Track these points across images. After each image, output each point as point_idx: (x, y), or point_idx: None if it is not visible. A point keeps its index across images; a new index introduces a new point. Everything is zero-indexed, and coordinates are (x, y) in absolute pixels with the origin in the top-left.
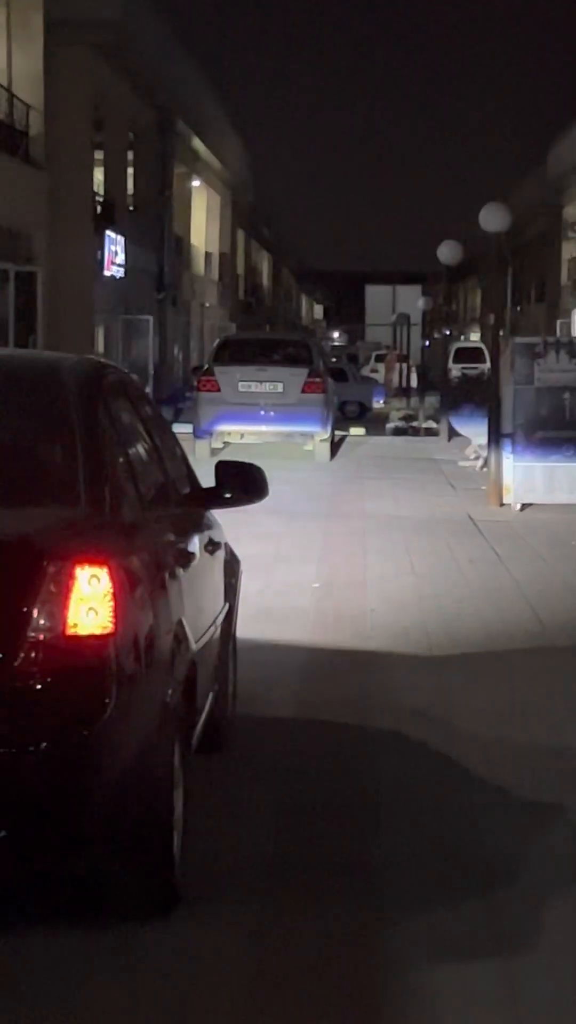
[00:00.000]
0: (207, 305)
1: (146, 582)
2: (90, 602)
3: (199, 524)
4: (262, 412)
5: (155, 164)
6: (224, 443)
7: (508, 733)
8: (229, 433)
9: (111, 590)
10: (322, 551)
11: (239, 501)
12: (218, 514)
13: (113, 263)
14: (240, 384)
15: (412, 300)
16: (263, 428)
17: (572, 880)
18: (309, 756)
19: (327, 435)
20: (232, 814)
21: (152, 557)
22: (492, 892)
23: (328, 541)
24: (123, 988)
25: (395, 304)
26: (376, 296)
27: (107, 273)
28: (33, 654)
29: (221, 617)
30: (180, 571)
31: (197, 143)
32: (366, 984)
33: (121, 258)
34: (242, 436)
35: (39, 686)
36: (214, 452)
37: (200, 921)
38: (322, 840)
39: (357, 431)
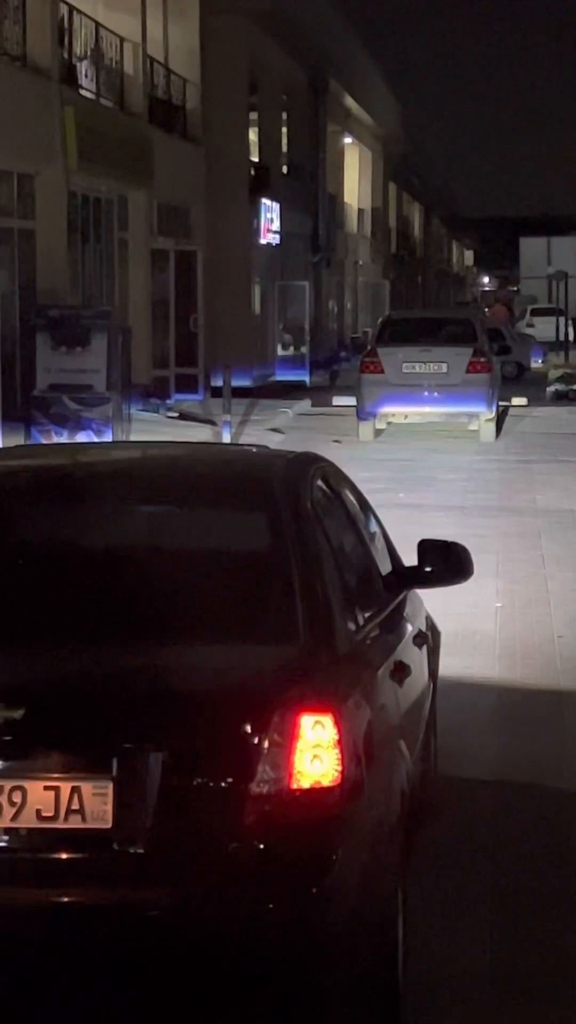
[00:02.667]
0: (360, 263)
1: (369, 716)
2: (315, 751)
3: (406, 617)
4: (426, 393)
5: (308, 125)
6: (388, 423)
7: None
8: (393, 414)
9: (336, 737)
10: (498, 560)
11: (441, 579)
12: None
13: (269, 230)
14: (404, 365)
15: (568, 251)
16: (427, 409)
17: None
18: (522, 832)
19: (492, 415)
20: (447, 911)
21: (373, 685)
22: None
23: (503, 545)
24: None
25: (550, 256)
26: (531, 248)
27: (263, 241)
28: (258, 809)
29: (428, 703)
30: (397, 689)
31: (349, 101)
32: None
33: (277, 224)
34: (406, 417)
35: (264, 843)
36: (377, 433)
37: None
38: (547, 940)
39: (519, 401)
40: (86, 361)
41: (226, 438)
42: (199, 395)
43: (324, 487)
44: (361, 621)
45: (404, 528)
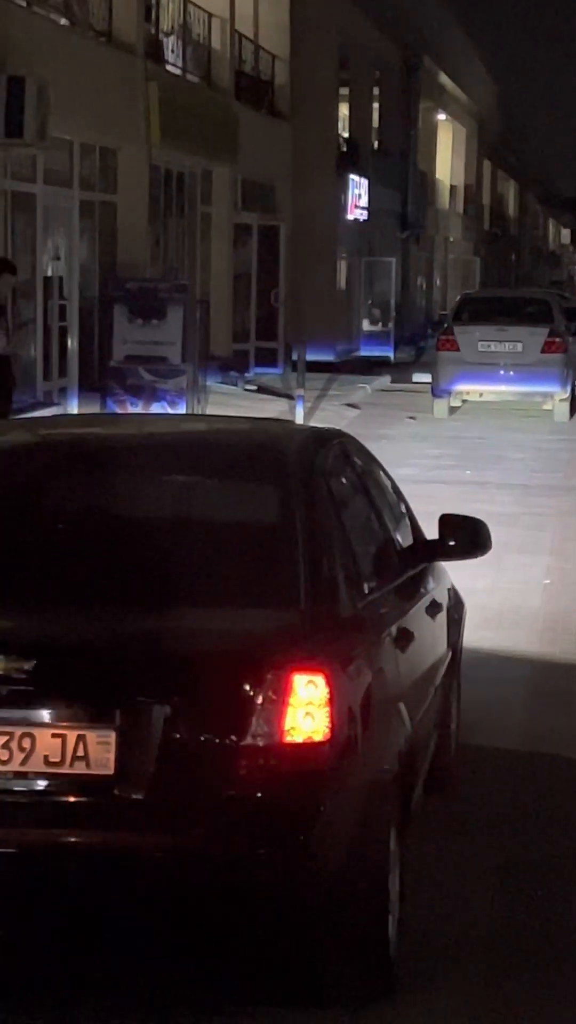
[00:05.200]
0: (451, 239)
1: (364, 679)
2: (307, 709)
3: (420, 588)
4: (501, 372)
5: (401, 101)
6: (463, 401)
7: None
8: (468, 392)
9: (328, 697)
10: (555, 537)
11: (460, 553)
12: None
13: (357, 206)
14: (480, 344)
15: None
16: (502, 388)
17: None
18: (538, 800)
19: (566, 395)
20: (453, 874)
21: (372, 649)
22: None
23: (560, 524)
24: None
25: None
26: None
27: (350, 216)
28: (252, 761)
29: (442, 671)
30: (399, 654)
31: (443, 78)
32: None
33: (364, 200)
34: (481, 395)
35: (257, 793)
36: (452, 411)
37: (413, 1007)
38: (550, 908)
39: None
40: (162, 333)
41: (299, 412)
42: (278, 369)
43: (342, 461)
44: (368, 589)
45: (466, 505)
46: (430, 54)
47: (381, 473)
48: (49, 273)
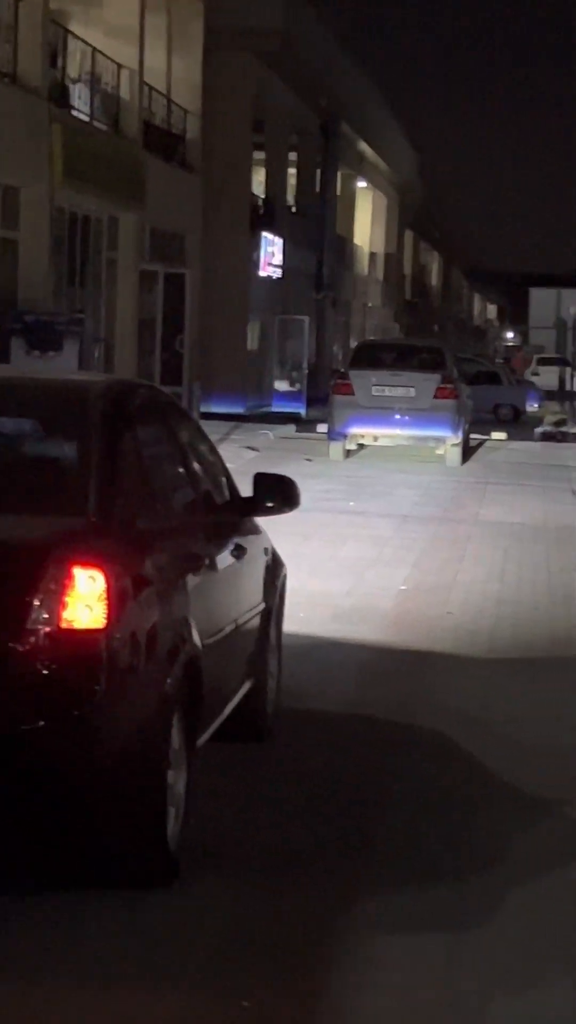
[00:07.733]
0: (370, 305)
1: (146, 585)
2: (86, 600)
3: (226, 531)
4: (396, 416)
5: (318, 166)
6: (359, 445)
7: (534, 734)
8: (362, 435)
9: (106, 590)
10: (420, 555)
11: (275, 510)
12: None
13: (270, 264)
14: (374, 388)
15: None
16: (396, 432)
17: (550, 866)
18: (341, 751)
19: (458, 440)
20: (253, 805)
21: (156, 561)
22: (469, 876)
23: (431, 546)
24: (120, 943)
25: (559, 307)
26: (541, 299)
27: (263, 274)
28: (33, 643)
29: (251, 616)
30: (189, 574)
31: (363, 145)
32: (337, 950)
33: (278, 259)
34: (376, 439)
35: (39, 671)
36: (348, 454)
37: (188, 896)
38: (329, 831)
39: (498, 436)
40: (58, 365)
41: None
42: None
43: (147, 407)
44: (161, 514)
45: (342, 530)
46: (348, 121)
47: (194, 428)
48: None
